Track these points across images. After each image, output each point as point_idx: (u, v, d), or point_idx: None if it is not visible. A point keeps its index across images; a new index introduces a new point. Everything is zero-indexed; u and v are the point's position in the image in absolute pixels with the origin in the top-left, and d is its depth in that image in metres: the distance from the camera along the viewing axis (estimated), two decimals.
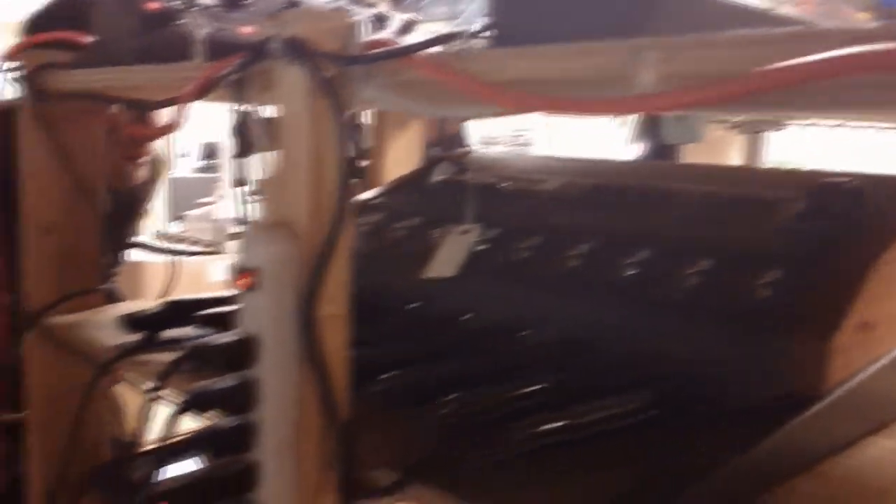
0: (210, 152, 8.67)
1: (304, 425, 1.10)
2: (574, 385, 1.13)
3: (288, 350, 1.09)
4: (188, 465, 1.16)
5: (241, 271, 1.09)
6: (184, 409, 1.10)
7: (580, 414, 1.04)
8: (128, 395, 1.95)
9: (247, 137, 1.63)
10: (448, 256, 1.56)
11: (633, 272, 1.30)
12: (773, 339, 1.09)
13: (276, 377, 1.09)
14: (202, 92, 1.28)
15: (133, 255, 2.26)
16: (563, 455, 1.01)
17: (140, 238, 2.41)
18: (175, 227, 6.10)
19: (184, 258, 2.79)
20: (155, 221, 5.35)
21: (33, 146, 1.77)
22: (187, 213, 6.48)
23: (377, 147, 2.13)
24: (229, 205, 7.00)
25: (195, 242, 5.61)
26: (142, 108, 1.62)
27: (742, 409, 1.07)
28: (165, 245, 2.88)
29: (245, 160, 1.92)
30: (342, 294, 1.13)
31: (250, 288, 1.09)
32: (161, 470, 1.15)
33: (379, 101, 1.21)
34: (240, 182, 1.26)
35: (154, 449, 1.14)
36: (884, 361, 1.14)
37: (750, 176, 1.74)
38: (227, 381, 1.10)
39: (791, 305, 1.10)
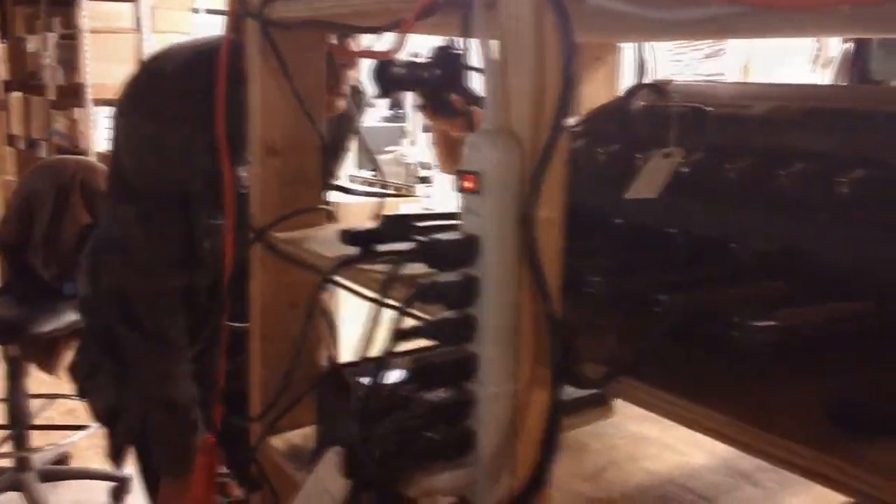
0: (395, 102, 8.96)
1: (520, 320, 1.18)
2: (789, 293, 1.13)
3: (507, 249, 1.16)
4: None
5: (464, 174, 1.17)
6: (412, 299, 1.20)
7: (798, 316, 1.04)
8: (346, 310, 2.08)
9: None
10: (651, 178, 1.58)
11: (845, 190, 1.27)
12: None
13: (496, 274, 1.17)
14: (425, 13, 1.35)
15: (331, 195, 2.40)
16: (781, 357, 1.02)
17: (336, 180, 2.56)
18: (367, 173, 6.40)
19: (378, 199, 2.95)
20: (348, 166, 5.62)
21: (261, 74, 1.93)
22: (378, 157, 6.77)
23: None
24: (417, 150, 7.24)
25: (386, 185, 5.86)
26: (364, 33, 1.73)
27: None
28: (360, 187, 3.03)
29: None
30: (558, 199, 1.19)
31: (473, 191, 1.17)
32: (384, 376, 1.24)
33: (602, 15, 1.23)
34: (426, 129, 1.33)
35: (378, 357, 1.24)
36: None
37: None
38: (450, 277, 1.18)
39: None
